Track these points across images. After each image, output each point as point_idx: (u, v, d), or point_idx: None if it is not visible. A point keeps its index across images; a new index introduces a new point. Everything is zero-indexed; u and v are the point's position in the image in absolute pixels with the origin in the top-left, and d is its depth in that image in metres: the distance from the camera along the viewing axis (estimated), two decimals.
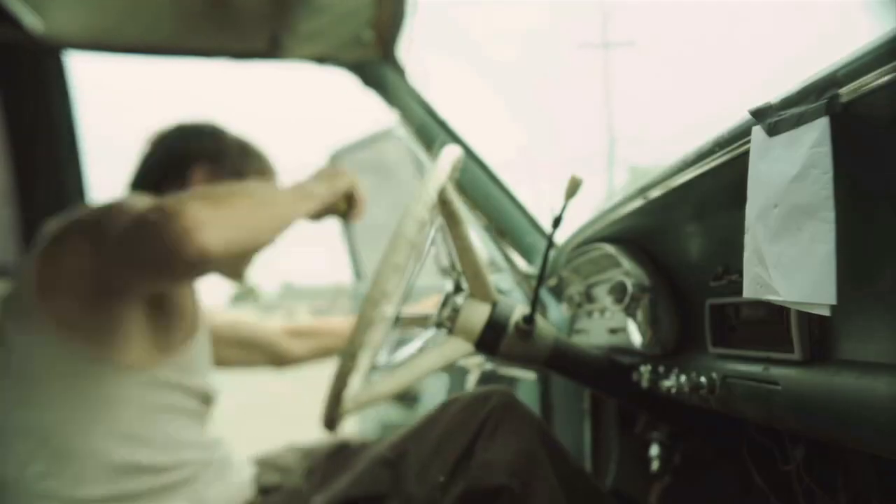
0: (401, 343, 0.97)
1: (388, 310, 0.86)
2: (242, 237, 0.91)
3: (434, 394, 1.59)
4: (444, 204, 0.83)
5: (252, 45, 1.51)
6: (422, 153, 1.48)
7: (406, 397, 1.69)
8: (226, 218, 0.88)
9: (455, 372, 1.46)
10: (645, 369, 0.84)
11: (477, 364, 1.31)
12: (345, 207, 1.16)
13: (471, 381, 1.30)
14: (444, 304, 0.90)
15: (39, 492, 0.94)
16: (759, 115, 0.51)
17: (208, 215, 0.85)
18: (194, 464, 1.08)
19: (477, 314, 0.88)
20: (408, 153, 1.63)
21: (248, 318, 1.61)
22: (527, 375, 1.32)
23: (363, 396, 0.80)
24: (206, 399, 1.17)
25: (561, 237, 1.11)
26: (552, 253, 1.06)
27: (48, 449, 0.96)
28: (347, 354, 0.72)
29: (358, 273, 2.00)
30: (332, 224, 1.30)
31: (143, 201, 0.96)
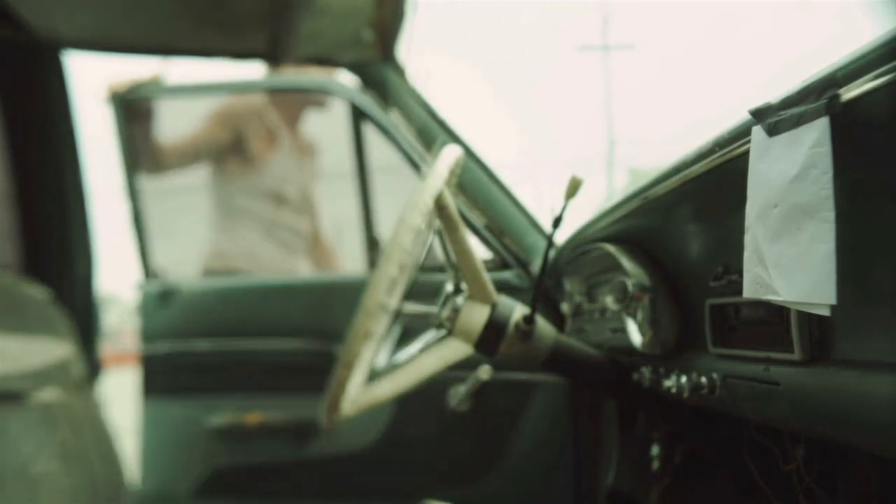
0: (401, 344, 0.96)
1: (384, 321, 0.86)
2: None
3: None
4: (441, 209, 0.83)
5: (252, 45, 1.51)
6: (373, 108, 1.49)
7: None
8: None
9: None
10: (645, 369, 0.84)
11: (486, 371, 1.25)
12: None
13: (461, 390, 1.11)
14: (444, 304, 0.90)
15: None
16: (759, 115, 0.51)
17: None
18: None
19: (477, 315, 0.88)
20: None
21: None
22: (550, 380, 1.28)
23: (362, 400, 0.80)
24: None
25: (561, 237, 1.11)
26: (552, 253, 1.06)
27: None
28: (345, 363, 0.72)
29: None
30: None
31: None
